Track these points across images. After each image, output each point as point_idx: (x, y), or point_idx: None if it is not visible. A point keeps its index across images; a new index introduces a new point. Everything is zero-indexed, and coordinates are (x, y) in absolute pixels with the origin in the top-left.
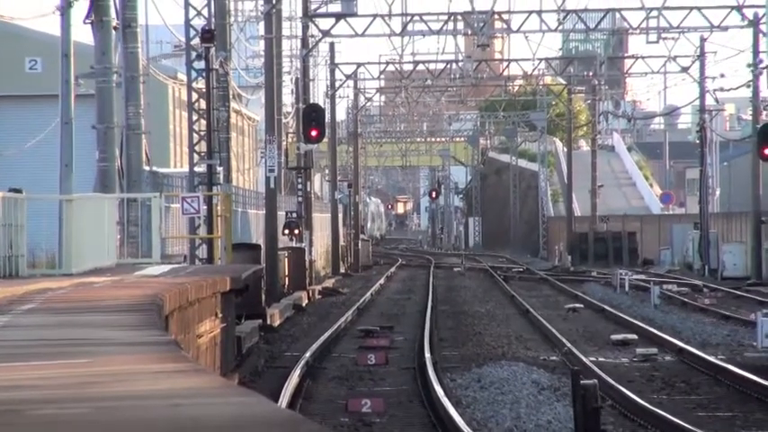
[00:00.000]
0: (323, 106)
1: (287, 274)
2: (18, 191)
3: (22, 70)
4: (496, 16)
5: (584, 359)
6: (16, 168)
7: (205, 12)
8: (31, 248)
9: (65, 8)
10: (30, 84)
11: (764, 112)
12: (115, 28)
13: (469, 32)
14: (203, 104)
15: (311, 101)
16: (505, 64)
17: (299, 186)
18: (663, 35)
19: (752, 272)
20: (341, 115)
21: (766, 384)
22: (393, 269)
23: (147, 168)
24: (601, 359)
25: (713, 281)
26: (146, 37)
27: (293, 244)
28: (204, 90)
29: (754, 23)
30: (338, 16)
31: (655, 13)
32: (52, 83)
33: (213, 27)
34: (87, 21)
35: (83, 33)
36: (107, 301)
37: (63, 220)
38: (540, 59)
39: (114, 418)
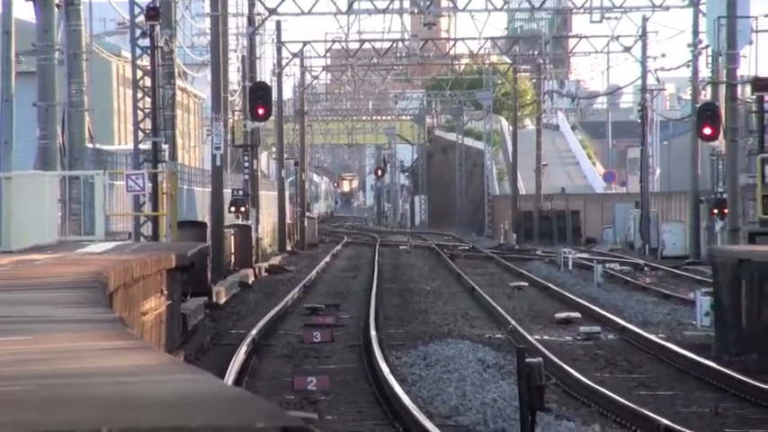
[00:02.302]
0: (269, 84)
1: (233, 251)
2: None
3: None
4: None
5: (528, 337)
6: None
7: None
8: None
9: None
10: None
11: (703, 92)
12: (58, 5)
13: (416, 11)
14: (148, 82)
15: (258, 79)
16: (452, 43)
17: (246, 164)
18: (606, 15)
19: (690, 251)
20: (287, 93)
21: (705, 363)
22: (339, 247)
23: (90, 146)
24: (545, 337)
25: (654, 260)
26: (89, 14)
27: (239, 221)
28: (149, 68)
29: (695, 4)
30: None
31: None
32: None
33: (158, 5)
34: None
35: (24, 10)
36: (49, 279)
37: (2, 198)
38: (486, 39)
39: (60, 395)
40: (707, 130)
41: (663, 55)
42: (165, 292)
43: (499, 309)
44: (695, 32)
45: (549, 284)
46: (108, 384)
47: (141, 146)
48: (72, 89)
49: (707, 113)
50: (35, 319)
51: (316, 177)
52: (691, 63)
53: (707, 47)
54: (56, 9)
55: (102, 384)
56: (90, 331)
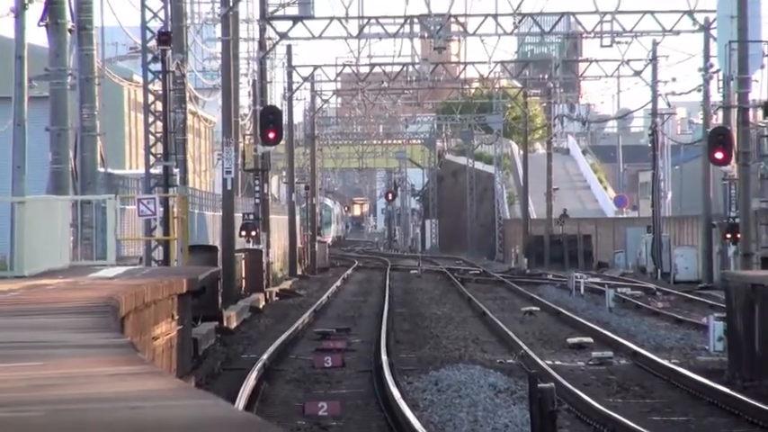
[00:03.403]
0: (280, 108)
1: (244, 275)
2: None
3: None
4: (453, 19)
5: (540, 362)
6: None
7: (162, 14)
8: None
9: (19, 10)
10: None
11: (715, 116)
12: (70, 30)
13: (426, 35)
14: (159, 106)
15: (268, 103)
16: (462, 67)
17: (257, 188)
18: (616, 39)
19: (703, 275)
20: (298, 117)
21: (718, 388)
22: (349, 271)
23: (102, 170)
24: (557, 362)
25: (666, 284)
26: (101, 39)
27: (250, 246)
28: (160, 92)
29: (705, 28)
30: (295, 19)
31: (608, 17)
32: (5, 85)
33: (170, 29)
34: (42, 23)
35: (36, 35)
36: (61, 304)
37: (15, 222)
38: (496, 62)
39: (72, 420)
40: (718, 155)
41: (673, 79)
42: (177, 317)
43: (510, 333)
44: (706, 57)
45: (561, 309)
46: (119, 409)
47: (152, 170)
48: (84, 113)
49: (718, 138)
50: (47, 344)
51: (329, 202)
52: (702, 87)
53: (718, 71)
54: (68, 34)
55: (114, 409)
56: (101, 356)
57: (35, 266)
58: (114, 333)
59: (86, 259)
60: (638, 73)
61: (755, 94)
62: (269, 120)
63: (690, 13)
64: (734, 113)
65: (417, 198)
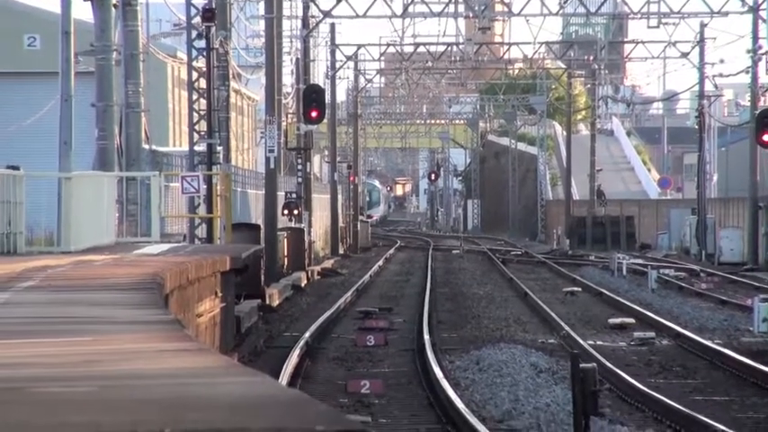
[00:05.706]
0: (323, 87)
1: (286, 254)
2: (16, 168)
3: (20, 47)
4: None
5: (582, 342)
6: (15, 145)
7: None
8: (29, 226)
9: None
10: (28, 61)
11: (763, 98)
12: (115, 6)
13: (470, 15)
14: (203, 83)
15: (311, 81)
16: (506, 47)
17: (299, 167)
18: (663, 20)
19: (749, 257)
20: (341, 96)
21: (763, 369)
22: (392, 251)
23: (146, 147)
24: (599, 342)
25: (710, 266)
26: (146, 15)
27: (292, 224)
28: (204, 69)
29: (754, 9)
30: None
31: None
32: (50, 60)
33: (214, 6)
34: None
35: (82, 11)
36: (107, 280)
37: (62, 198)
38: (541, 43)
39: (121, 396)
40: (767, 137)
41: (721, 61)
42: (220, 294)
43: (552, 314)
44: (755, 38)
45: (603, 290)
46: (169, 386)
47: (196, 147)
48: (129, 90)
49: (766, 120)
50: (95, 320)
51: (377, 183)
52: (750, 69)
53: (767, 53)
54: (113, 9)
55: (163, 386)
56: (149, 332)
57: (81, 242)
58: (160, 309)
59: (131, 236)
60: (684, 55)
61: None
62: (312, 98)
63: None
64: None
65: (460, 178)
